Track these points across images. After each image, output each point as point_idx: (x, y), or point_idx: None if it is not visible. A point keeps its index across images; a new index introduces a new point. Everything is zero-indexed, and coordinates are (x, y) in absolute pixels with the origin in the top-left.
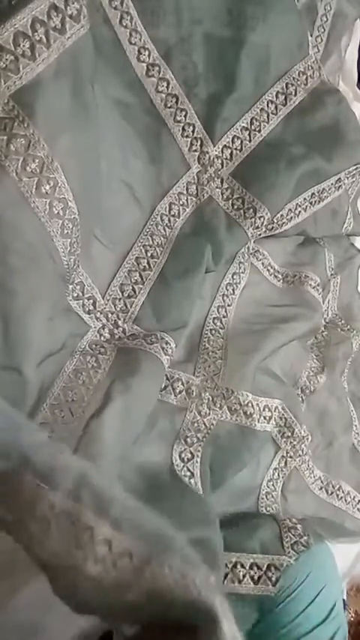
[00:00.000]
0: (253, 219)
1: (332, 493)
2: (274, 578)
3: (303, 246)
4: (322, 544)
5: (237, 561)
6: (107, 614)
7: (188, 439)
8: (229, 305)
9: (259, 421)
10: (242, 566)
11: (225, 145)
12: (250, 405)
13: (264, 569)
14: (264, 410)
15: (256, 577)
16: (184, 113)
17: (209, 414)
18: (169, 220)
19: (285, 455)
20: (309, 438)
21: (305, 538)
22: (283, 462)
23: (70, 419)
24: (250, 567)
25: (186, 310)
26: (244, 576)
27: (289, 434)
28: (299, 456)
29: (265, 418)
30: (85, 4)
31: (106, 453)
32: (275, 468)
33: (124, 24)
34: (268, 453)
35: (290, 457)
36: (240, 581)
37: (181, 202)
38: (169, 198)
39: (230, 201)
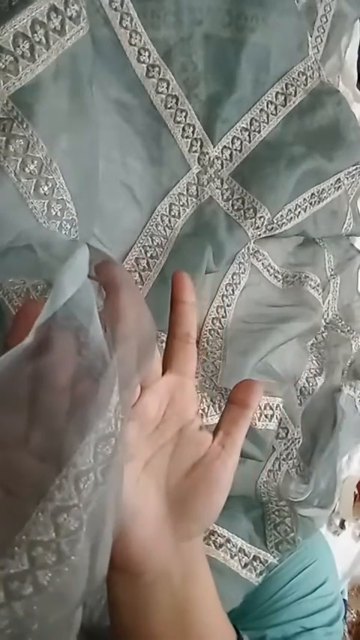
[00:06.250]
0: (253, 220)
1: None
2: (258, 570)
3: (303, 246)
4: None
5: (229, 538)
6: None
7: None
8: (228, 305)
9: (259, 419)
10: (234, 545)
11: (225, 146)
12: None
13: (250, 557)
14: (265, 408)
15: (243, 562)
16: (184, 114)
17: (208, 414)
18: (170, 221)
19: (279, 457)
20: (300, 440)
21: (292, 535)
22: (277, 464)
23: None
24: (240, 550)
25: None
26: (234, 555)
27: (284, 434)
28: (291, 459)
29: (266, 417)
30: (85, 5)
31: None
32: (270, 470)
33: (124, 25)
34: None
35: (283, 459)
36: (232, 557)
37: (181, 203)
38: (170, 198)
39: (230, 202)
